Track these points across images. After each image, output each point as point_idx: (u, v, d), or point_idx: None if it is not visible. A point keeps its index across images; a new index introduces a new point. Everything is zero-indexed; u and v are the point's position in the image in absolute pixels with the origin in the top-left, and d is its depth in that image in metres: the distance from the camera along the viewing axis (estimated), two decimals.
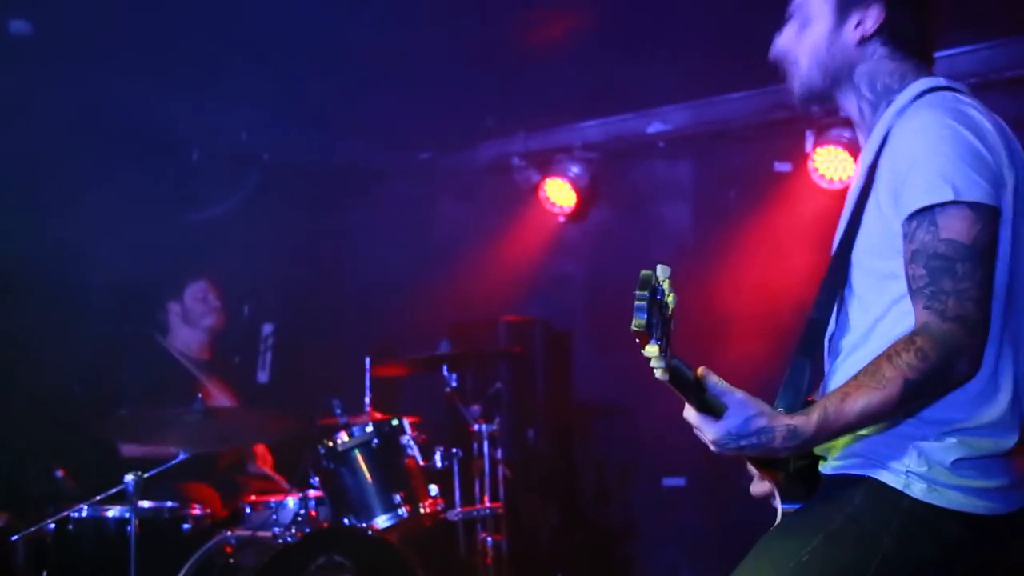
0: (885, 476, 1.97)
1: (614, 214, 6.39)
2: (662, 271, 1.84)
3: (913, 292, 1.93)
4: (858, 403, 1.86)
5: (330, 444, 4.22)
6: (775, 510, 2.20)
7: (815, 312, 2.16)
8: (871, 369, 1.88)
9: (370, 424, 4.29)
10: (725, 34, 4.88)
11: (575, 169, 6.10)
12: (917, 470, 1.95)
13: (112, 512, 3.90)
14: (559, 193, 6.15)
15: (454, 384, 4.98)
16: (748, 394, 1.92)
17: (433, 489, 4.34)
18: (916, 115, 2.04)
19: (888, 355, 1.88)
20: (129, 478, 3.62)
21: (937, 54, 5.71)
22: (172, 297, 4.88)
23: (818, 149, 5.25)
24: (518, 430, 5.90)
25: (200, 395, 4.13)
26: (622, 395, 6.14)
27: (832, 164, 5.24)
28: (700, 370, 1.93)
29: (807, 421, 1.88)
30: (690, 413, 1.95)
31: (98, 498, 3.76)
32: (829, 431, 1.89)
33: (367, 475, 4.21)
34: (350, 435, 4.24)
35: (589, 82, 5.60)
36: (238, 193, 5.87)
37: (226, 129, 5.69)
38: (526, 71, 5.39)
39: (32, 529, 3.76)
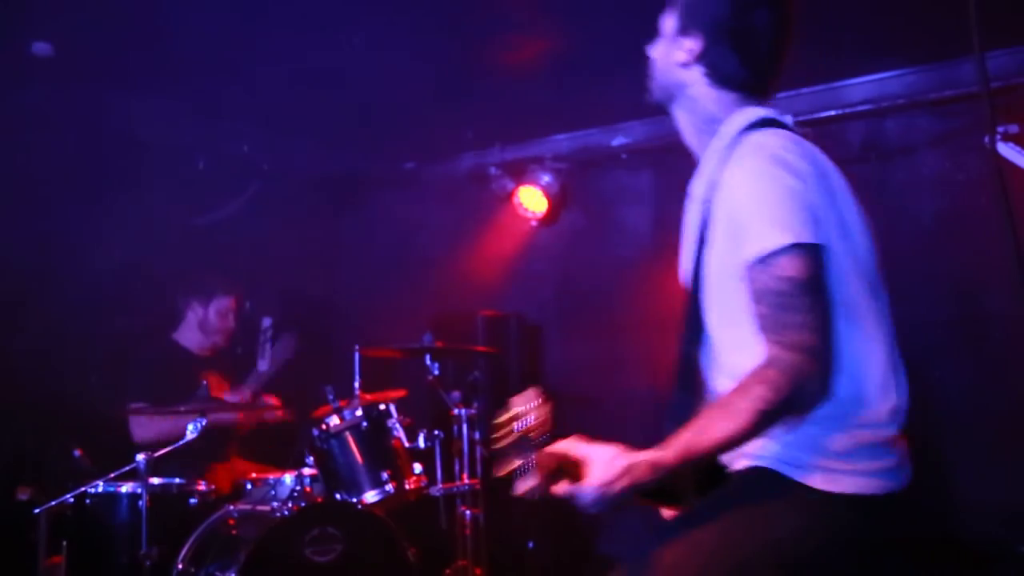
0: (784, 469, 1.95)
1: (582, 218, 6.40)
2: (524, 400, 1.90)
3: (760, 329, 1.91)
4: (715, 435, 1.86)
5: (323, 427, 4.24)
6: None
7: (684, 346, 2.12)
8: (725, 402, 1.89)
9: (360, 408, 4.30)
10: None
11: (546, 178, 6.11)
12: (813, 461, 1.94)
13: (125, 488, 3.92)
14: (532, 199, 6.16)
15: (436, 372, 4.97)
16: (600, 444, 1.92)
17: (417, 467, 4.36)
18: (744, 161, 2.00)
19: (742, 389, 1.87)
20: (140, 457, 3.65)
21: (866, 78, 5.77)
22: (198, 299, 4.78)
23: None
24: (494, 414, 5.91)
25: (204, 383, 4.15)
26: (588, 383, 6.16)
27: None
28: (551, 457, 1.93)
29: (667, 454, 1.88)
30: (563, 489, 1.93)
31: (112, 475, 3.79)
32: (689, 460, 1.88)
33: (357, 454, 4.22)
34: (341, 418, 4.25)
35: (559, 99, 5.62)
36: (240, 199, 5.87)
37: (229, 141, 5.69)
38: (502, 89, 5.41)
39: (53, 503, 3.79)
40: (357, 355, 4.65)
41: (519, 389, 6.55)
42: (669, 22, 2.21)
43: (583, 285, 6.31)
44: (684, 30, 2.16)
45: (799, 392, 1.85)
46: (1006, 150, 4.74)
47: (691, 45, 2.15)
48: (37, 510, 3.81)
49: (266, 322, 5.15)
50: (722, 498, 2.01)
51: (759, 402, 1.84)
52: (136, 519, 3.73)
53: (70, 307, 4.80)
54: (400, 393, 4.58)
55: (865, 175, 5.30)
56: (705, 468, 2.08)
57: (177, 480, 4.05)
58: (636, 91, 5.99)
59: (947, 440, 4.92)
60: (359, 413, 4.27)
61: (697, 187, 2.15)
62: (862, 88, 5.27)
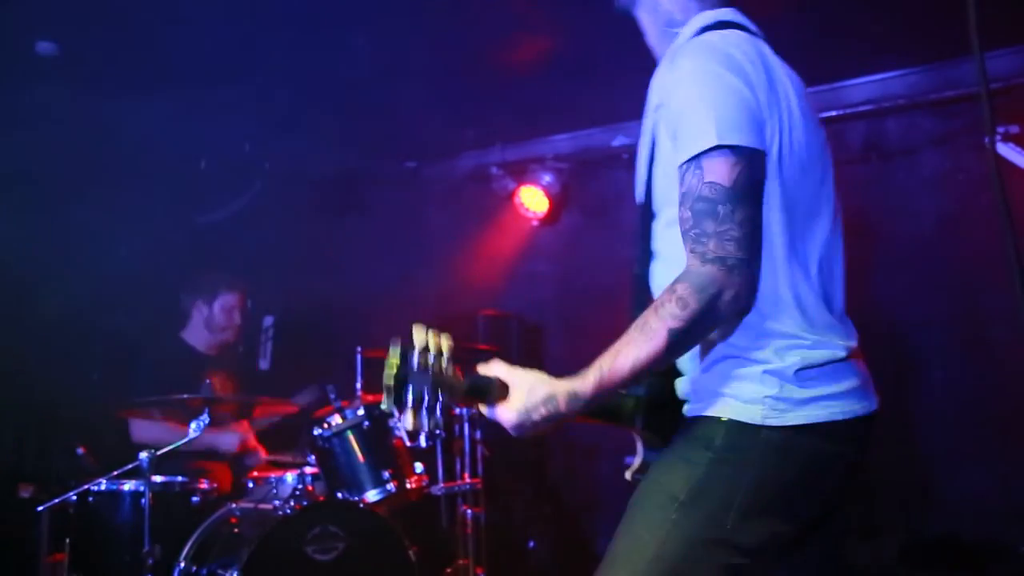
0: (740, 411, 1.85)
1: (583, 219, 6.41)
2: (417, 336, 1.83)
3: (683, 235, 1.82)
4: (628, 358, 1.79)
5: (325, 426, 4.25)
6: (638, 457, 2.11)
7: (637, 268, 2.03)
8: (640, 323, 1.80)
9: (362, 407, 4.30)
10: None
11: (547, 178, 6.13)
12: (769, 393, 1.83)
13: (128, 486, 3.92)
14: (533, 199, 6.17)
15: None
16: (524, 370, 1.86)
17: (418, 466, 4.36)
18: (685, 60, 1.90)
19: (655, 307, 1.79)
20: (143, 455, 3.66)
21: (869, 78, 5.78)
22: (203, 297, 4.76)
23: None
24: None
25: (208, 380, 4.15)
26: None
27: None
28: (465, 379, 1.86)
29: (584, 383, 1.81)
30: (487, 411, 1.88)
31: (115, 473, 3.80)
32: (607, 388, 1.81)
33: (359, 453, 4.22)
34: (343, 417, 4.25)
35: (560, 99, 5.63)
36: (242, 198, 5.88)
37: (231, 140, 5.70)
38: (503, 89, 5.43)
39: (56, 501, 3.79)
40: (359, 355, 4.66)
41: None
42: None
43: (584, 285, 6.32)
44: None
45: (712, 307, 1.76)
46: (1006, 150, 4.75)
47: None
48: (40, 508, 3.82)
49: (267, 321, 5.16)
50: (682, 456, 1.90)
51: (671, 320, 1.76)
52: (139, 517, 3.73)
53: (73, 305, 4.81)
54: None
55: (866, 175, 5.31)
56: (657, 405, 2.02)
57: (179, 478, 4.05)
58: (636, 91, 6.00)
59: (948, 440, 4.93)
60: (361, 412, 4.28)
61: (652, 95, 2.02)
62: (863, 88, 5.28)
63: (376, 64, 4.93)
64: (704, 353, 1.95)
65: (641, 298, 2.00)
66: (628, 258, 2.06)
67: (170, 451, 3.77)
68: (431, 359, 1.81)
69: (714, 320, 1.79)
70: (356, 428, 4.24)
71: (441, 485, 4.79)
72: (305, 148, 5.95)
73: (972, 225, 4.90)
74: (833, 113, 5.28)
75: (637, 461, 2.11)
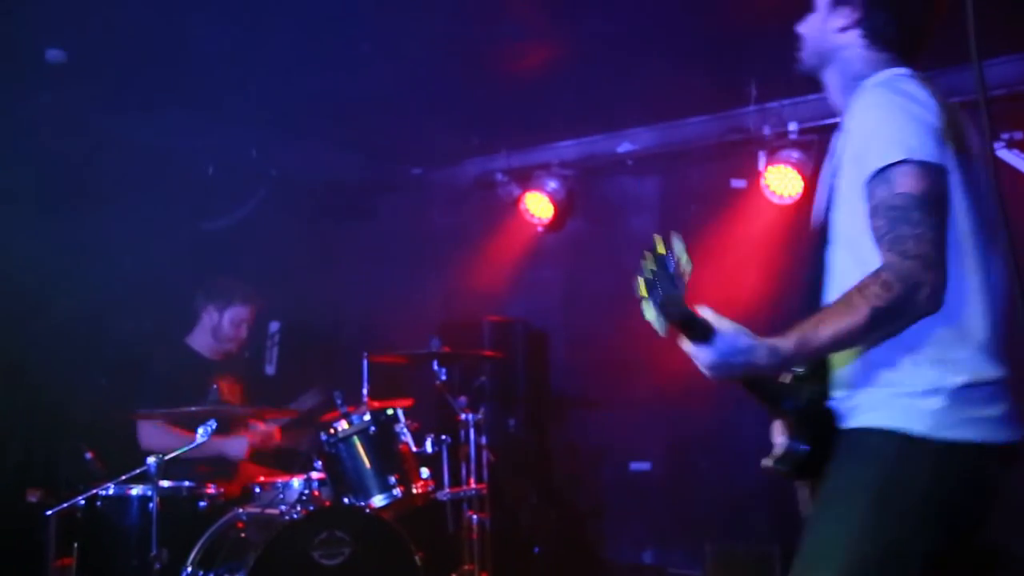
0: (911, 422, 2.00)
1: (587, 225, 6.42)
2: (677, 245, 1.94)
3: (877, 241, 1.99)
4: (830, 328, 1.94)
5: (332, 431, 4.25)
6: (780, 446, 2.21)
7: (809, 273, 2.24)
8: (843, 299, 1.96)
9: (368, 413, 4.31)
10: (687, 65, 4.96)
11: (552, 184, 6.14)
12: (939, 407, 1.99)
13: (136, 491, 3.92)
14: (538, 206, 6.18)
15: (443, 378, 4.98)
16: (729, 320, 1.99)
17: (424, 472, 4.36)
18: (867, 95, 2.14)
19: (858, 287, 1.94)
20: (151, 460, 3.66)
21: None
22: (215, 304, 4.73)
23: (770, 168, 5.27)
24: (500, 419, 5.94)
25: (214, 386, 4.16)
26: (594, 388, 6.18)
27: (782, 181, 5.27)
28: (697, 309, 1.99)
29: (786, 342, 1.95)
30: (687, 346, 2.01)
31: (123, 478, 3.80)
32: (806, 351, 1.97)
33: (365, 459, 4.23)
34: (350, 423, 4.26)
35: (565, 106, 5.65)
36: (249, 204, 5.89)
37: (238, 147, 5.72)
38: (509, 96, 5.45)
39: (64, 506, 3.80)
40: (365, 361, 4.68)
41: (524, 394, 6.60)
42: None
43: (589, 291, 6.33)
44: (841, 1, 2.29)
45: (912, 296, 1.92)
46: (1011, 157, 4.75)
47: (850, 12, 2.27)
48: (48, 512, 3.83)
49: (273, 327, 5.16)
50: (849, 466, 2.06)
51: (874, 299, 1.91)
52: (146, 521, 3.74)
53: (81, 311, 4.83)
54: (407, 402, 4.60)
55: None
56: (816, 418, 2.15)
57: (187, 483, 4.06)
58: (641, 98, 6.02)
59: None
60: (367, 418, 4.28)
61: (839, 141, 2.26)
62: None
63: (382, 71, 4.95)
64: (875, 363, 2.08)
65: (810, 298, 2.19)
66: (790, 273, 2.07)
67: (177, 456, 3.78)
68: (679, 272, 1.94)
69: (911, 311, 1.94)
70: (362, 434, 4.24)
71: (447, 490, 4.80)
72: (311, 155, 5.97)
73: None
74: (838, 120, 5.29)
75: (778, 450, 2.20)
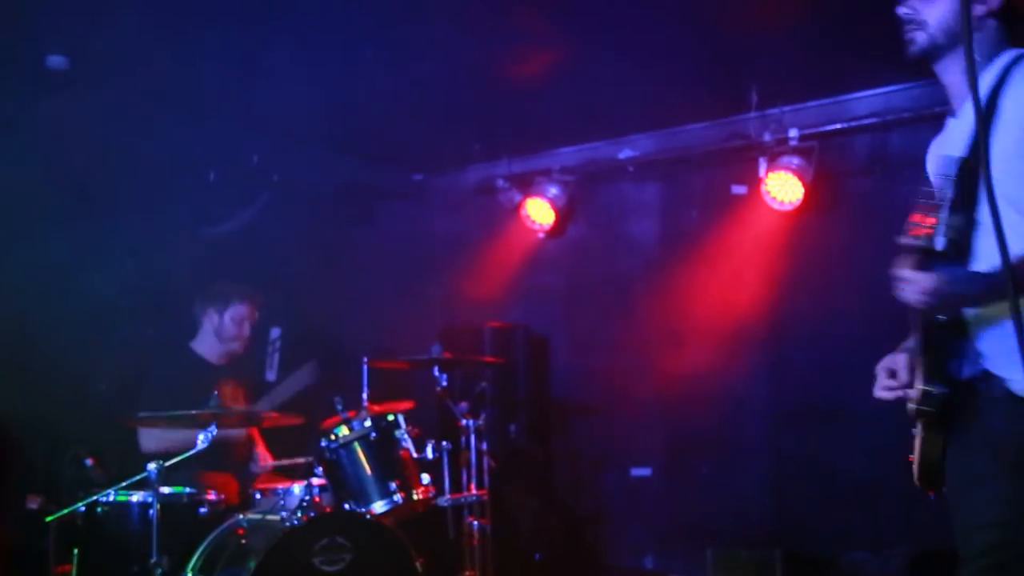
0: None
1: (588, 231, 6.42)
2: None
3: None
4: None
5: (332, 437, 4.24)
6: (917, 389, 2.41)
7: (952, 232, 2.35)
8: None
9: (369, 419, 4.30)
10: (688, 71, 4.96)
11: (553, 190, 6.14)
12: None
13: (136, 497, 3.90)
14: (539, 211, 6.18)
15: (444, 383, 4.98)
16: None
17: (425, 478, 4.35)
18: None
19: None
20: (152, 466, 3.64)
21: (874, 91, 5.78)
22: (215, 306, 4.73)
23: (770, 174, 5.27)
24: (501, 425, 5.93)
25: (215, 392, 4.15)
26: (595, 394, 6.18)
27: (783, 187, 5.26)
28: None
29: (999, 277, 2.04)
30: (909, 273, 2.24)
31: (124, 484, 3.78)
32: (1006, 294, 2.02)
33: (366, 465, 4.22)
34: (350, 429, 4.25)
35: (566, 112, 5.66)
36: (250, 210, 5.89)
37: (239, 153, 5.72)
38: (510, 102, 5.45)
39: (64, 512, 3.79)
40: (366, 367, 4.67)
41: (525, 400, 6.62)
42: None
43: (589, 297, 6.33)
44: None
45: None
46: None
47: (993, 2, 2.42)
48: (48, 519, 3.82)
49: (274, 333, 5.15)
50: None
51: None
52: (146, 528, 3.72)
53: (81, 316, 4.82)
54: (408, 405, 4.59)
55: (871, 188, 5.32)
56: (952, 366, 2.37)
57: (187, 489, 4.05)
58: (642, 105, 6.03)
59: None
60: (368, 424, 4.27)
61: (967, 106, 2.44)
62: (868, 102, 5.29)
63: (383, 77, 4.95)
64: None
65: (959, 252, 2.33)
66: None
67: (178, 462, 3.76)
68: None
69: None
70: (363, 439, 4.23)
71: (448, 496, 4.78)
72: (312, 161, 5.97)
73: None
74: (838, 126, 5.30)
75: (919, 392, 2.41)
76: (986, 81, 2.38)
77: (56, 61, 4.47)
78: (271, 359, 5.19)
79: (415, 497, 4.24)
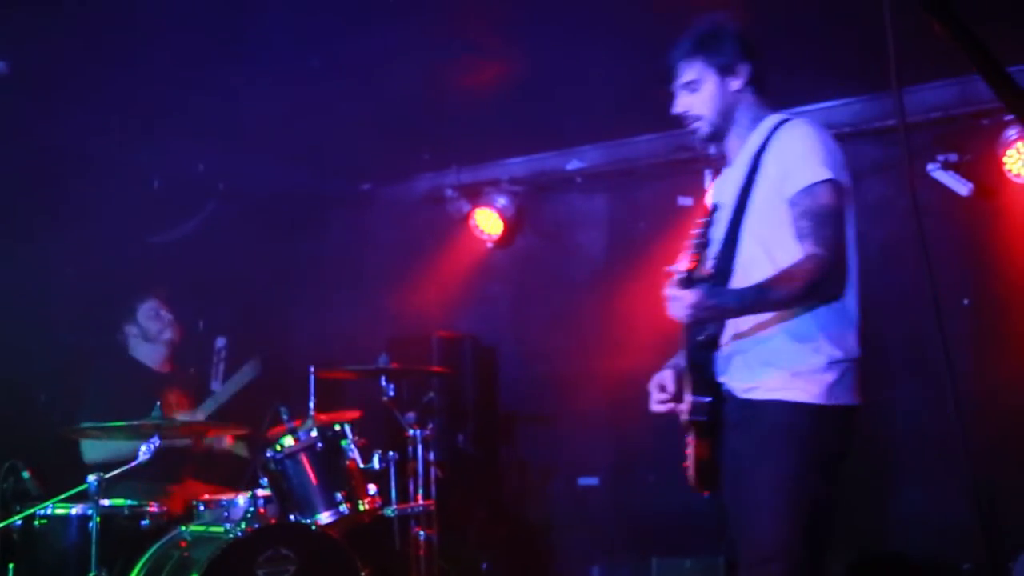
0: (800, 395, 2.57)
1: (537, 241, 6.44)
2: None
3: (802, 238, 2.56)
4: (781, 290, 2.50)
5: (278, 447, 4.21)
6: (687, 402, 2.74)
7: (720, 264, 2.71)
8: (784, 272, 2.53)
9: (314, 429, 4.28)
10: (635, 85, 5.00)
11: (502, 200, 6.16)
12: (831, 380, 2.57)
13: (75, 510, 3.82)
14: (488, 222, 6.19)
15: (391, 393, 4.97)
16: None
17: (371, 488, 4.33)
18: (797, 127, 2.72)
19: (795, 266, 2.52)
20: (92, 478, 3.57)
21: (815, 106, 5.91)
22: (127, 320, 4.76)
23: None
24: (449, 435, 5.92)
25: (159, 403, 4.08)
26: (543, 403, 6.19)
27: None
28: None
29: (748, 294, 2.54)
30: (675, 290, 2.52)
31: (62, 496, 3.71)
32: (759, 305, 2.56)
33: (311, 475, 4.18)
34: (296, 439, 4.22)
35: (515, 123, 5.67)
36: (195, 218, 5.83)
37: (184, 160, 5.66)
38: (459, 112, 5.45)
39: (0, 525, 3.70)
40: (312, 376, 4.63)
41: (473, 410, 6.61)
42: (693, 71, 2.83)
43: (538, 306, 6.34)
44: (728, 67, 2.81)
45: (827, 281, 2.52)
46: (946, 178, 4.87)
47: (742, 73, 2.81)
48: None
49: (220, 342, 5.10)
50: (767, 433, 2.59)
51: (808, 275, 2.49)
52: (86, 541, 3.64)
53: (21, 324, 4.73)
54: (355, 414, 4.56)
55: None
56: (711, 378, 2.73)
57: (128, 501, 3.97)
58: (590, 117, 6.07)
59: (892, 459, 5.01)
60: (314, 434, 4.24)
61: (739, 162, 2.81)
62: (809, 116, 5.35)
63: (331, 85, 4.93)
64: (774, 348, 2.62)
65: (721, 278, 2.68)
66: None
67: (121, 474, 3.69)
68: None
69: (827, 292, 2.55)
70: (309, 449, 4.20)
71: (394, 507, 4.76)
72: (259, 169, 5.92)
73: (914, 250, 5.00)
74: None
75: (689, 404, 2.73)
76: (753, 142, 2.78)
77: None
78: (216, 368, 5.13)
79: (361, 507, 4.22)
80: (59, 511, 3.83)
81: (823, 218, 2.54)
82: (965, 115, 4.89)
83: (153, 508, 4.02)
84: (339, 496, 4.15)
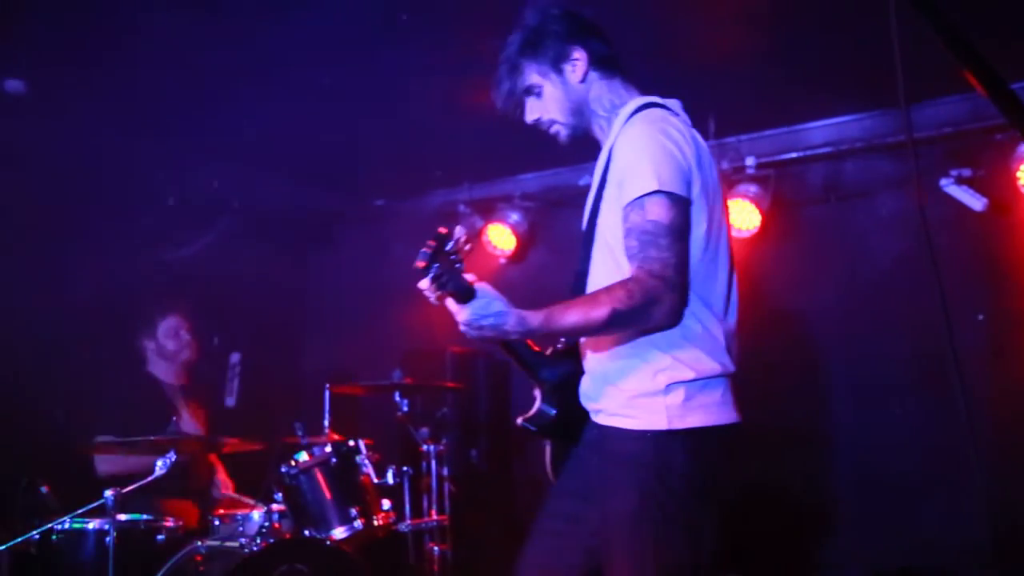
0: (638, 422, 2.31)
1: (550, 257, 6.44)
2: (457, 231, 2.26)
3: (629, 258, 2.28)
4: (575, 316, 2.23)
5: (292, 462, 4.23)
6: (533, 408, 2.56)
7: (579, 266, 2.56)
8: (593, 296, 2.28)
9: (329, 444, 4.29)
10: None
11: (515, 216, 6.17)
12: (674, 402, 2.30)
13: (92, 524, 3.84)
14: (500, 237, 6.20)
15: (405, 409, 4.98)
16: (497, 291, 2.27)
17: (385, 503, 4.34)
18: (632, 128, 2.40)
19: (607, 289, 2.24)
20: (108, 493, 3.59)
21: (826, 121, 5.88)
22: (146, 335, 4.76)
23: (728, 202, 5.33)
24: (462, 450, 5.92)
25: (174, 418, 4.11)
26: None
27: (740, 215, 5.30)
28: (469, 277, 2.25)
29: (535, 316, 2.24)
30: (451, 304, 2.26)
31: (79, 512, 3.73)
32: (550, 329, 2.25)
33: (326, 491, 4.19)
34: (311, 454, 4.24)
35: (527, 138, 5.65)
36: (210, 235, 5.87)
37: (200, 178, 5.70)
38: (471, 128, 5.47)
39: (18, 540, 3.72)
40: (327, 392, 4.65)
41: (486, 424, 6.59)
42: (529, 77, 2.56)
43: None
44: (560, 57, 2.53)
45: (649, 310, 2.22)
46: (959, 192, 4.86)
47: (577, 59, 2.52)
48: (1, 548, 3.74)
49: (234, 358, 5.12)
50: (614, 468, 2.34)
51: (616, 302, 2.20)
52: (103, 556, 3.66)
53: (38, 340, 4.77)
54: (368, 441, 4.58)
55: (825, 216, 5.42)
56: (567, 390, 2.51)
57: (144, 516, 4.00)
58: None
59: (906, 475, 4.99)
60: (328, 449, 4.26)
61: (601, 158, 2.53)
62: (823, 131, 5.40)
63: (344, 103, 4.97)
64: (620, 366, 2.37)
65: (580, 288, 2.50)
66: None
67: (136, 488, 3.72)
68: (455, 251, 2.25)
69: (647, 321, 2.26)
70: (323, 465, 4.21)
71: (408, 522, 4.76)
72: (274, 185, 5.97)
73: (928, 264, 4.99)
74: (794, 155, 5.39)
75: (533, 411, 2.56)
76: (613, 132, 2.50)
77: (13, 85, 4.44)
78: (231, 384, 5.15)
79: (375, 523, 4.22)
80: (76, 526, 3.86)
81: (651, 236, 2.24)
82: (978, 130, 4.88)
83: (169, 523, 4.04)
84: (353, 511, 4.16)
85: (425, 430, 5.12)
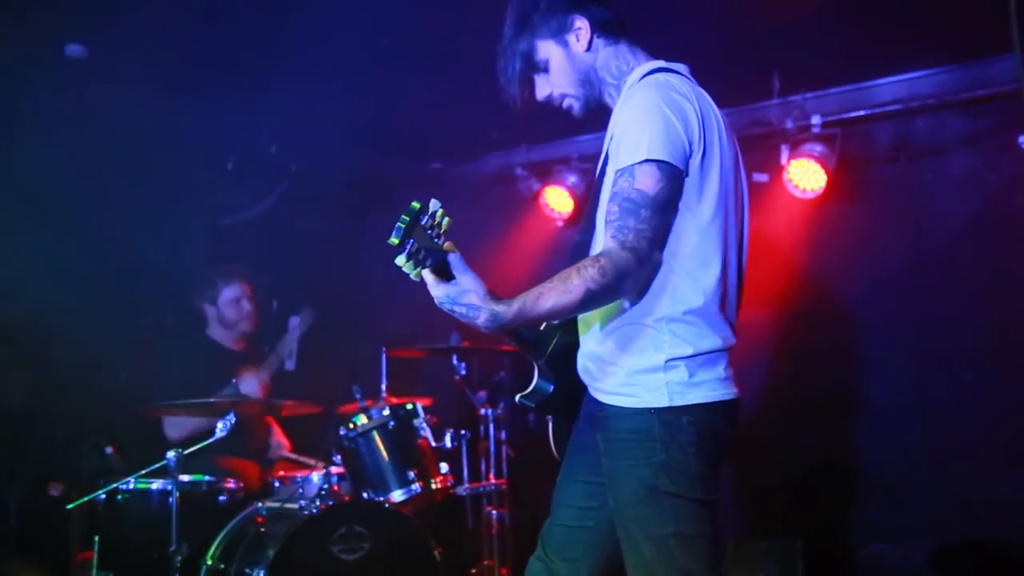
0: (656, 399, 2.26)
1: None
2: (433, 204, 2.15)
3: (607, 224, 2.23)
4: (548, 302, 2.14)
5: (351, 426, 4.27)
6: (531, 384, 2.49)
7: (580, 237, 2.49)
8: (563, 276, 2.17)
9: (387, 408, 4.34)
10: (709, 58, 4.91)
11: (572, 178, 6.11)
12: (674, 379, 2.26)
13: (156, 485, 3.96)
14: (558, 200, 6.15)
15: (463, 372, 5.00)
16: (477, 278, 2.18)
17: (444, 467, 4.39)
18: (634, 94, 2.35)
19: (577, 268, 2.16)
20: (171, 454, 3.66)
21: (897, 77, 5.71)
22: (207, 297, 4.81)
23: (792, 162, 5.22)
24: (520, 414, 5.93)
25: (234, 380, 4.18)
26: None
27: (805, 175, 5.20)
28: (447, 245, 2.18)
29: (507, 309, 2.13)
30: (428, 277, 2.18)
31: (143, 472, 3.82)
32: (524, 320, 2.16)
33: (384, 454, 4.25)
34: (369, 418, 4.29)
35: None
36: (268, 199, 5.92)
37: (258, 142, 5.74)
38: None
39: (85, 499, 3.83)
40: (384, 355, 4.68)
41: None
42: (542, 50, 2.54)
43: None
44: (563, 27, 2.50)
45: (620, 284, 2.18)
46: None
47: (580, 26, 2.49)
48: (69, 506, 3.86)
49: (294, 322, 5.18)
50: (605, 436, 2.34)
51: (589, 282, 2.14)
52: (166, 516, 3.76)
53: (101, 305, 4.86)
54: (427, 401, 4.60)
55: (894, 175, 5.27)
56: (564, 365, 2.46)
57: (207, 477, 4.08)
58: None
59: (976, 443, 4.88)
60: (386, 412, 4.30)
61: (611, 124, 2.45)
62: (892, 88, 5.24)
63: (400, 65, 4.95)
64: (617, 343, 2.33)
65: (580, 257, 2.35)
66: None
67: (198, 449, 3.79)
68: (431, 226, 2.15)
69: (617, 295, 2.24)
70: (381, 428, 4.26)
71: (466, 485, 4.80)
72: (330, 150, 5.98)
73: (1001, 226, 4.85)
74: (861, 113, 5.25)
75: (530, 387, 2.50)
76: (622, 99, 2.44)
77: (74, 50, 4.49)
78: (291, 348, 5.22)
79: (433, 486, 4.27)
80: (140, 486, 3.95)
81: (634, 205, 2.19)
82: None
83: (230, 484, 4.12)
84: (411, 474, 4.21)
85: (483, 394, 5.14)
